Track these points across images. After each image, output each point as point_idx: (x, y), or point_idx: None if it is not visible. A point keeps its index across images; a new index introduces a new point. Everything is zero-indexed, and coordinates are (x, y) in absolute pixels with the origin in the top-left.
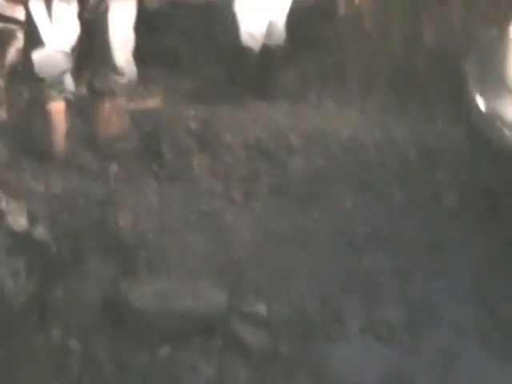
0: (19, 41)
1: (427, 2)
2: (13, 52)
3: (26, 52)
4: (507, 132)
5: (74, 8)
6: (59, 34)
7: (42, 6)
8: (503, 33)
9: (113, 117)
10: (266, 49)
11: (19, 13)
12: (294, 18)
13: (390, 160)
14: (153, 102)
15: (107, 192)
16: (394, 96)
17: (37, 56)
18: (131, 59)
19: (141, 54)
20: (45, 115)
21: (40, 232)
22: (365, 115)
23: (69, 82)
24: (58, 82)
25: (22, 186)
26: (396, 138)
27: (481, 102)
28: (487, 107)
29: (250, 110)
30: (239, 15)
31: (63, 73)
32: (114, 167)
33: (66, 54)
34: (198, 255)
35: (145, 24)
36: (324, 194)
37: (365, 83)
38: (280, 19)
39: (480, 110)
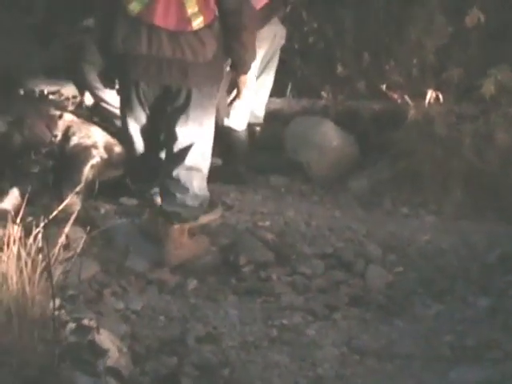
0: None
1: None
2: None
3: None
4: None
5: None
6: None
7: None
8: None
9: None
10: None
11: None
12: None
13: (469, 264)
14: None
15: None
16: (469, 198)
17: None
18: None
19: None
20: None
21: None
22: (440, 218)
23: None
24: None
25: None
26: (474, 241)
27: None
28: None
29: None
30: None
31: None
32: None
33: None
34: (283, 371)
35: None
36: (405, 302)
37: (439, 186)
38: None
39: None
